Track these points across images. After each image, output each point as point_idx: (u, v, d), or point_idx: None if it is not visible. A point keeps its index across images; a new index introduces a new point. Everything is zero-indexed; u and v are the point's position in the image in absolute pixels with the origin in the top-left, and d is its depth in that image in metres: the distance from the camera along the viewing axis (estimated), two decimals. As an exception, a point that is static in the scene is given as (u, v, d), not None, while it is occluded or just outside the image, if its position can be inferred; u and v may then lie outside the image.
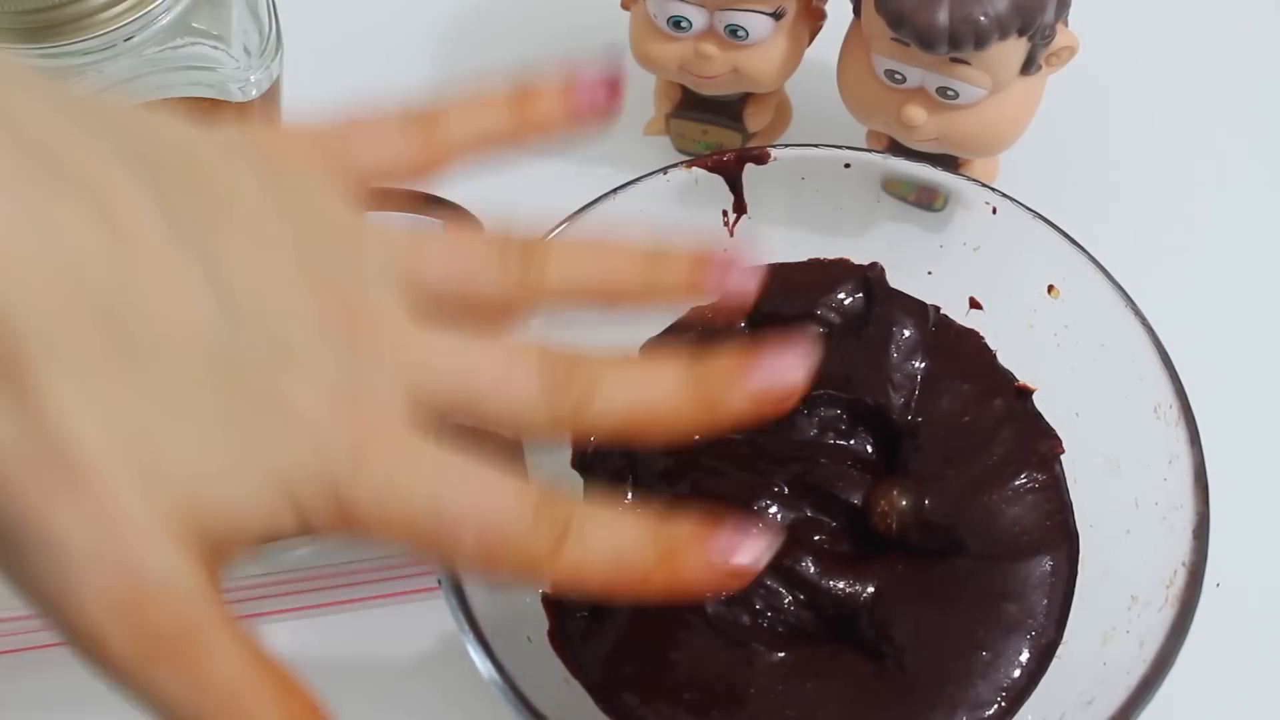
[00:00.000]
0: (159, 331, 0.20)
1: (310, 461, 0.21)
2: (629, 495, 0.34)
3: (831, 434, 0.35)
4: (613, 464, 0.34)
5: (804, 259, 0.37)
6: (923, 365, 0.35)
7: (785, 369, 0.23)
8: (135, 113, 0.23)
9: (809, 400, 0.35)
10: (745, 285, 0.25)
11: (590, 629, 0.32)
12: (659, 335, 0.37)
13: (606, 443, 0.23)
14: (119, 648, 0.19)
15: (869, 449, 0.35)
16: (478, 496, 0.22)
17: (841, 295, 0.36)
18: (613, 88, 0.25)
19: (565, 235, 0.34)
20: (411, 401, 0.22)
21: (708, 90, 0.41)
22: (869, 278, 0.36)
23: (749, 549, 0.22)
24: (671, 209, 0.36)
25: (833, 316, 0.36)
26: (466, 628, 0.28)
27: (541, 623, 0.32)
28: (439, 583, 0.28)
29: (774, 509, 0.33)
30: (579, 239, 0.25)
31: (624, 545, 0.22)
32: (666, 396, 0.23)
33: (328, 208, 0.24)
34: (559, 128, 0.26)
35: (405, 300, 0.23)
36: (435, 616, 0.34)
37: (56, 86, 0.22)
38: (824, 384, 0.35)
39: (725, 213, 0.37)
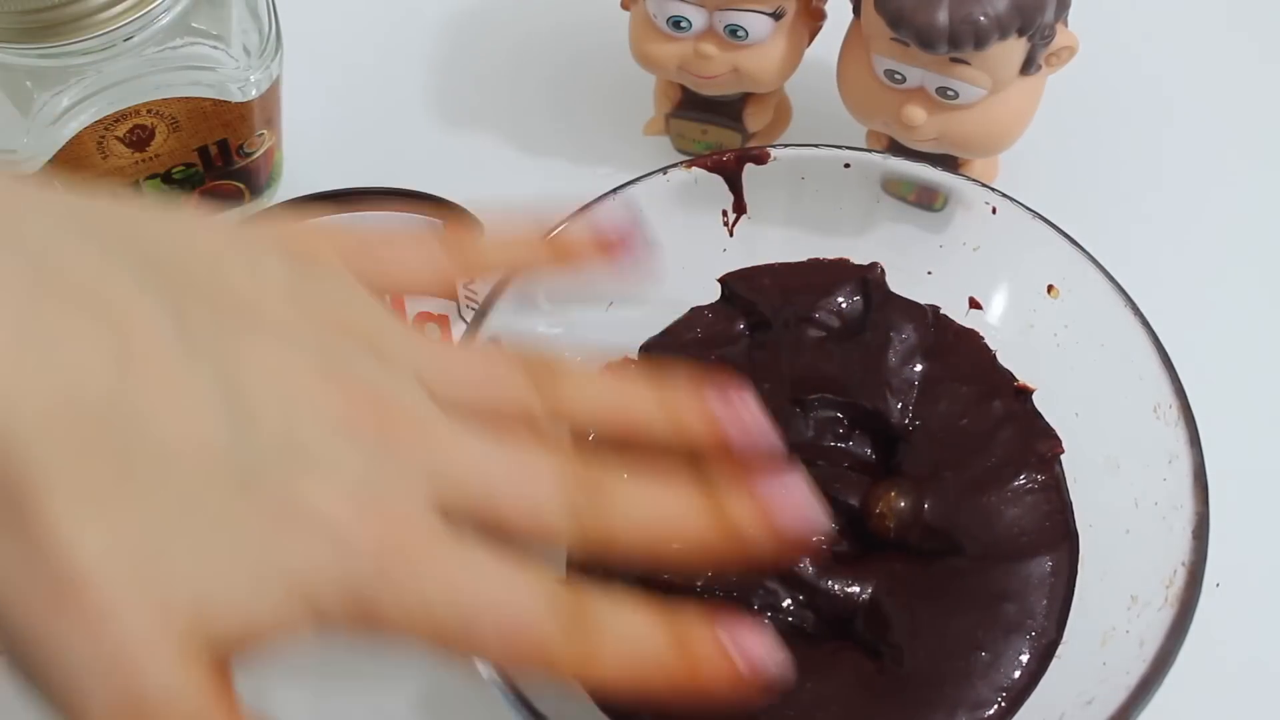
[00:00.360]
0: (165, 448, 0.20)
1: (330, 564, 0.21)
2: None
3: (829, 436, 0.35)
4: None
5: (804, 259, 0.37)
6: (921, 369, 0.35)
7: (805, 509, 0.24)
8: (159, 221, 0.23)
9: (805, 404, 0.35)
10: (758, 428, 0.25)
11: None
12: (658, 335, 0.37)
13: (626, 558, 0.24)
14: None
15: (868, 451, 0.35)
16: (499, 593, 0.22)
17: (840, 300, 0.36)
18: (631, 244, 0.26)
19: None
20: (436, 498, 0.22)
21: (708, 90, 0.41)
22: (867, 281, 0.36)
23: (753, 636, 0.22)
24: (671, 209, 0.36)
25: (831, 320, 0.36)
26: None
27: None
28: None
29: None
30: (596, 374, 0.26)
31: (639, 633, 0.22)
32: (689, 523, 0.24)
33: (356, 307, 0.24)
34: (586, 268, 0.27)
35: (432, 398, 0.23)
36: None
37: (75, 201, 0.22)
38: (822, 388, 0.35)
39: (725, 213, 0.37)
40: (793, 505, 0.24)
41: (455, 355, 0.25)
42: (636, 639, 0.22)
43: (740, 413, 0.25)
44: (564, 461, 0.24)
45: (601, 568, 0.33)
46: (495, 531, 0.23)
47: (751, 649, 0.22)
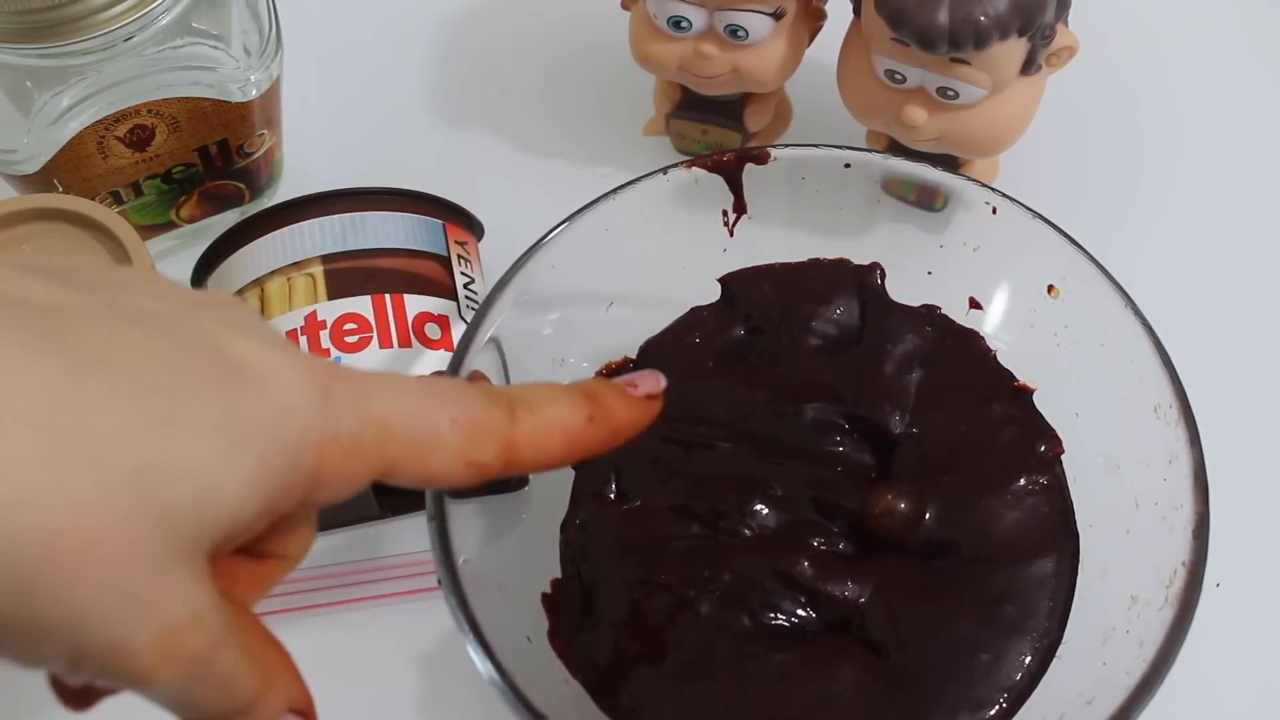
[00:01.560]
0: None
1: (287, 414, 0.21)
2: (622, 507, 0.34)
3: (829, 441, 0.35)
4: (601, 472, 0.34)
5: (804, 259, 0.37)
6: (919, 376, 0.35)
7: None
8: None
9: (804, 410, 0.35)
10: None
11: (589, 629, 0.32)
12: (658, 335, 0.37)
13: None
14: (169, 679, 0.20)
15: (867, 457, 0.35)
16: (443, 394, 0.24)
17: (838, 308, 0.36)
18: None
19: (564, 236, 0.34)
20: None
21: (708, 90, 0.41)
22: (865, 288, 0.36)
23: (650, 379, 0.27)
24: (671, 209, 0.36)
25: (829, 329, 0.36)
26: (466, 628, 0.28)
27: (541, 623, 0.32)
28: (439, 583, 0.28)
29: (771, 512, 0.33)
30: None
31: (562, 408, 0.26)
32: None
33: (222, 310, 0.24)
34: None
35: None
36: (435, 616, 0.34)
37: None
38: (820, 398, 0.35)
39: (725, 213, 0.37)
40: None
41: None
42: (560, 412, 0.26)
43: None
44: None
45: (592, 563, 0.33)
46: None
47: (643, 383, 0.27)
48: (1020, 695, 0.30)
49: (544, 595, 0.33)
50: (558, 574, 0.33)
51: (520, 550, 0.33)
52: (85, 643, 0.19)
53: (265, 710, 0.23)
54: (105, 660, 0.19)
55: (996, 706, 0.30)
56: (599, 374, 0.36)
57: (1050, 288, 0.34)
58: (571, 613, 0.33)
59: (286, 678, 0.23)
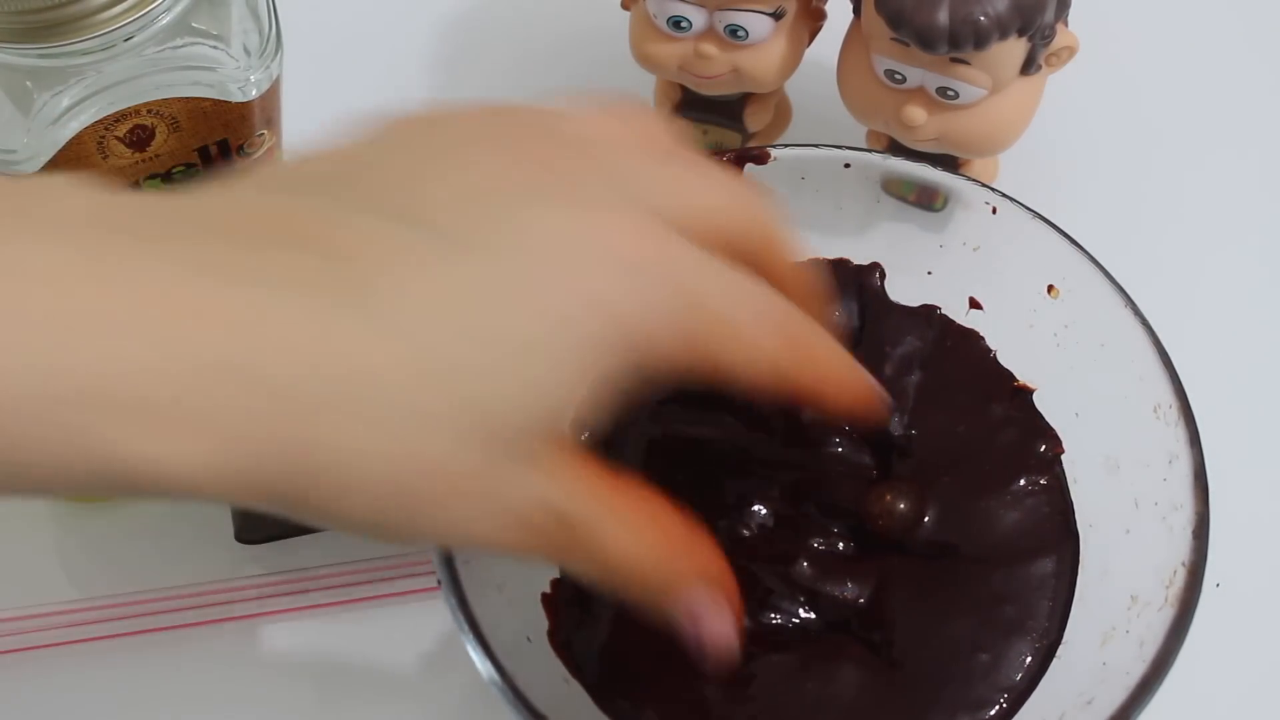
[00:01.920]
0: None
1: (629, 292, 0.21)
2: None
3: (829, 441, 0.35)
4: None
5: (803, 259, 0.37)
6: (918, 378, 0.35)
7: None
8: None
9: (799, 412, 0.35)
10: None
11: (589, 629, 0.32)
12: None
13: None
14: (536, 558, 0.23)
15: (867, 458, 0.35)
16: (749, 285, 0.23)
17: (837, 310, 0.36)
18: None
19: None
20: (657, 215, 0.22)
21: (708, 90, 0.41)
22: (864, 287, 0.36)
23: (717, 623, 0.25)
24: (671, 209, 0.36)
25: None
26: (466, 628, 0.28)
27: (541, 623, 0.32)
28: (439, 583, 0.28)
29: (769, 513, 0.33)
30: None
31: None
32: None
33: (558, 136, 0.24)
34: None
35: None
36: (435, 616, 0.34)
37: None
38: None
39: (725, 213, 0.37)
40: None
41: (694, 183, 0.25)
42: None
43: None
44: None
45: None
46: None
47: (713, 630, 0.24)
48: (1020, 695, 0.30)
49: (543, 595, 0.32)
50: (557, 574, 0.33)
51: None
52: (450, 541, 0.22)
53: (662, 578, 0.23)
54: (471, 550, 0.22)
55: (996, 706, 0.30)
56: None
57: (1050, 288, 0.34)
58: (571, 613, 0.33)
59: (688, 548, 0.23)
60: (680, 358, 0.22)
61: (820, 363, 0.25)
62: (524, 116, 0.24)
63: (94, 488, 0.19)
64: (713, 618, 0.24)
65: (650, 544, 0.23)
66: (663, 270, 0.21)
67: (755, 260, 0.25)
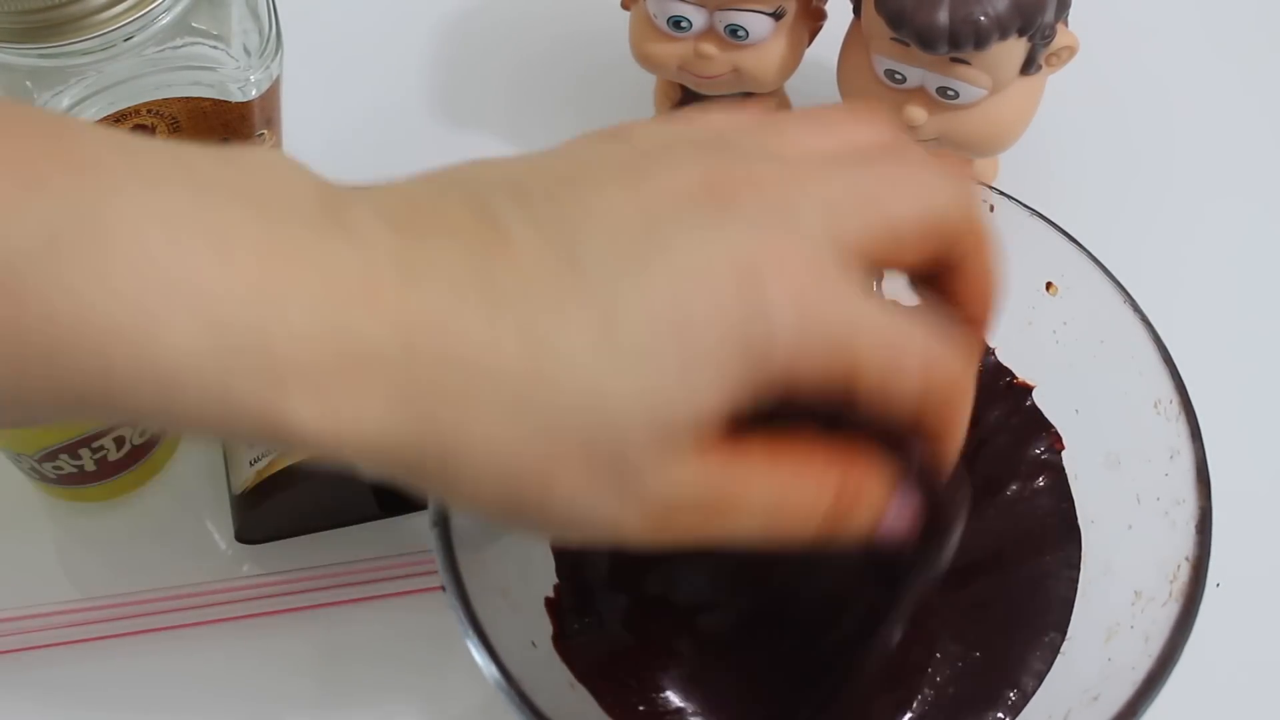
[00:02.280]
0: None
1: (751, 313, 0.21)
2: None
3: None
4: None
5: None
6: None
7: None
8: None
9: (798, 414, 0.35)
10: None
11: (595, 634, 0.32)
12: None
13: None
14: (689, 539, 0.23)
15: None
16: (908, 329, 0.23)
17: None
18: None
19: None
20: (836, 238, 0.22)
21: (708, 90, 0.41)
22: None
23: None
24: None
25: None
26: (472, 633, 0.28)
27: (545, 628, 0.32)
28: (443, 588, 0.28)
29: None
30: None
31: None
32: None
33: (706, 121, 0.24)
34: None
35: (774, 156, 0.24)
36: (435, 617, 0.34)
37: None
38: (815, 407, 0.34)
39: (726, 212, 0.37)
40: None
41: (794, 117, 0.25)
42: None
43: None
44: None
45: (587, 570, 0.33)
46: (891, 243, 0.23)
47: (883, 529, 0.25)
48: (1025, 693, 0.30)
49: (547, 599, 0.32)
50: (560, 578, 0.33)
51: (522, 554, 0.32)
52: (570, 531, 0.23)
53: (806, 520, 0.23)
54: (609, 538, 0.23)
55: (1002, 704, 0.30)
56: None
57: (1048, 285, 0.34)
58: (575, 616, 0.32)
59: (819, 480, 0.23)
60: (816, 389, 0.23)
61: (946, 430, 0.24)
62: (713, 128, 0.25)
63: (243, 438, 0.24)
64: (873, 519, 0.24)
65: (782, 498, 0.24)
66: (812, 308, 0.22)
67: (952, 259, 0.24)
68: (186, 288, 0.19)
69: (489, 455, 0.21)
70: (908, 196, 0.23)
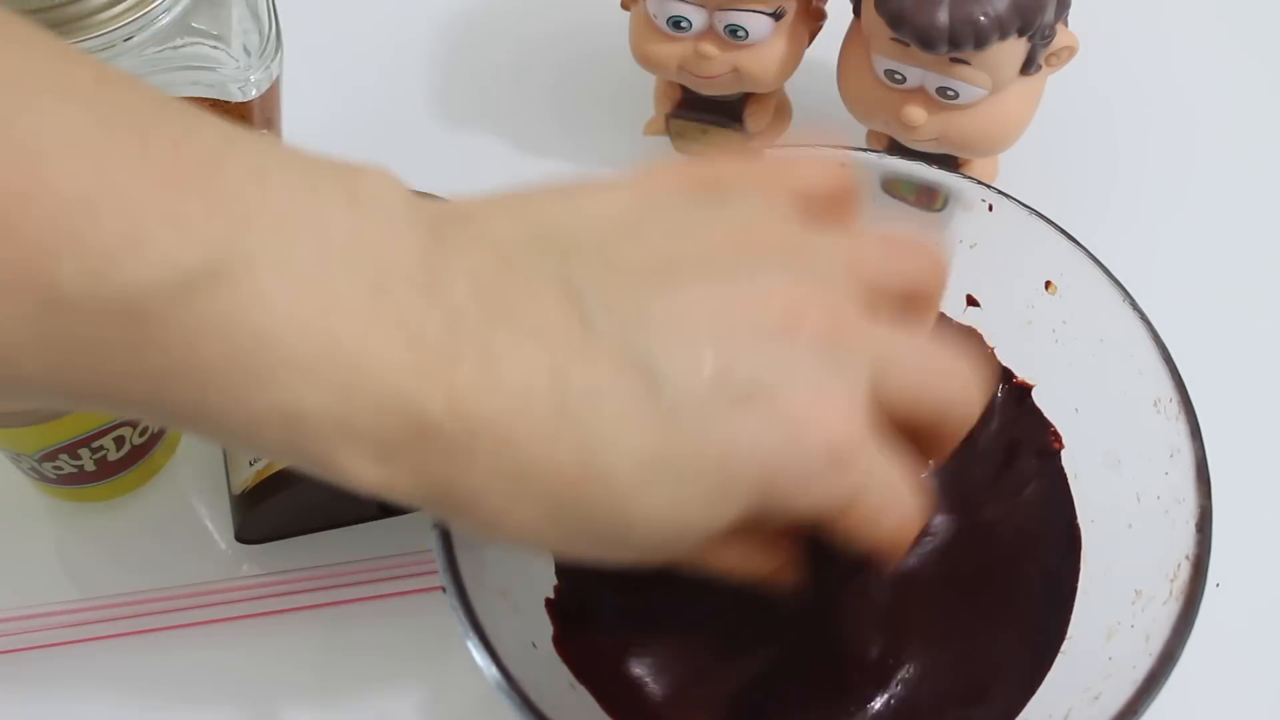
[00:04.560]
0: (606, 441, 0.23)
1: (782, 454, 0.23)
2: None
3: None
4: None
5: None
6: None
7: None
8: (559, 204, 0.25)
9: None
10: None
11: (594, 634, 0.32)
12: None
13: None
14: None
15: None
16: (902, 491, 0.25)
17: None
18: None
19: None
20: (870, 393, 0.24)
21: (708, 90, 0.41)
22: None
23: None
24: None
25: None
26: (472, 633, 0.28)
27: (546, 628, 0.32)
28: (443, 590, 0.28)
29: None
30: None
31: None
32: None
33: (765, 222, 0.25)
34: None
35: (853, 296, 0.25)
36: (435, 617, 0.34)
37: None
38: None
39: (726, 211, 0.37)
40: None
41: (873, 247, 0.27)
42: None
43: None
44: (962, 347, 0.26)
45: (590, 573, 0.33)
46: (920, 409, 0.25)
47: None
48: (1026, 691, 0.30)
49: (548, 600, 0.32)
50: (560, 579, 0.33)
51: (523, 556, 0.32)
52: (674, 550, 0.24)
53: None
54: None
55: (1003, 703, 0.30)
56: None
57: (1048, 284, 0.34)
58: (575, 618, 0.32)
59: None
60: (809, 519, 0.24)
61: (903, 531, 0.26)
62: (802, 234, 0.26)
63: (286, 462, 0.28)
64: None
65: (744, 565, 0.27)
66: (839, 463, 0.23)
67: (932, 434, 0.26)
68: (296, 338, 0.21)
69: (519, 533, 0.23)
70: (945, 389, 0.25)
